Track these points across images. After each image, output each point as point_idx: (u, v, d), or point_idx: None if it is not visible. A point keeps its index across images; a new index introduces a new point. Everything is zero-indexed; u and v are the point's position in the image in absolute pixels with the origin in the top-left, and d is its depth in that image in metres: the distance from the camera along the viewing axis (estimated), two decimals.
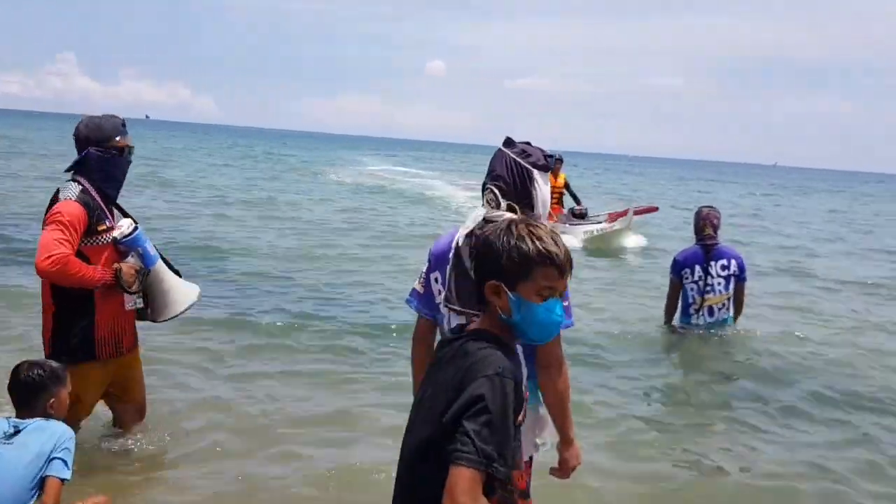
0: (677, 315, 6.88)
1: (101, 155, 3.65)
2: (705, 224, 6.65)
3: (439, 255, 2.84)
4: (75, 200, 3.53)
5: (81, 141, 3.65)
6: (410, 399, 2.14)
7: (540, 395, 2.68)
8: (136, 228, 3.68)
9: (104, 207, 3.66)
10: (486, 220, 2.64)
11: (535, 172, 2.82)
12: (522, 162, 2.82)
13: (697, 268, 6.61)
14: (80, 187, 3.60)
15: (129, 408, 4.06)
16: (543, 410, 2.71)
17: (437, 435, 1.75)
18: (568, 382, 2.65)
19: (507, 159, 2.84)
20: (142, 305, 3.86)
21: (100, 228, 3.59)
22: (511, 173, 2.81)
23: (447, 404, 1.75)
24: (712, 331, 6.69)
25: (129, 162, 3.79)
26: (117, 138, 3.67)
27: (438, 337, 2.88)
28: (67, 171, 3.71)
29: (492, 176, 2.82)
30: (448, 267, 2.75)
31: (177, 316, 3.94)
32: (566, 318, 2.53)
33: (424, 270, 2.91)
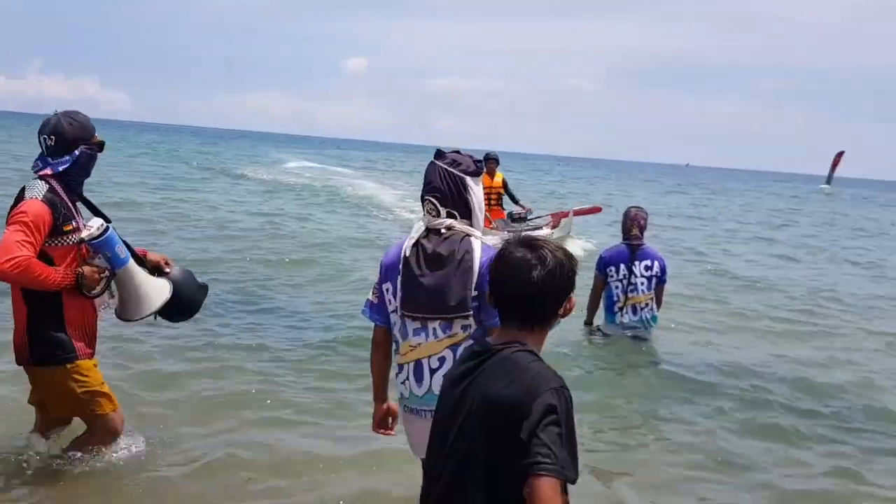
0: (601, 314, 6.97)
1: (90, 153, 3.63)
2: (632, 224, 6.78)
3: (389, 266, 3.04)
4: (41, 200, 3.45)
5: (69, 140, 3.56)
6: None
7: None
8: (106, 229, 3.54)
9: (71, 207, 3.60)
10: (428, 230, 2.97)
11: (468, 179, 3.03)
12: (454, 171, 3.01)
13: (622, 266, 6.73)
14: (48, 186, 3.52)
15: (55, 418, 3.89)
16: None
17: (499, 446, 1.82)
18: None
19: (440, 170, 3.03)
20: (113, 308, 3.83)
21: (66, 229, 3.51)
22: (446, 183, 3.00)
23: (509, 419, 1.81)
24: (634, 332, 6.80)
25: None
26: (95, 134, 3.67)
27: (395, 346, 3.09)
28: (35, 170, 3.61)
29: (429, 188, 3.02)
30: (398, 277, 2.98)
31: (149, 315, 3.82)
32: None
33: (377, 281, 3.10)
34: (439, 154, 3.11)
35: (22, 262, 3.28)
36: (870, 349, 8.29)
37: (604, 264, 6.83)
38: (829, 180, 64.03)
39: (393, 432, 3.29)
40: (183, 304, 3.95)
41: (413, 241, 2.98)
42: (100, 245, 3.53)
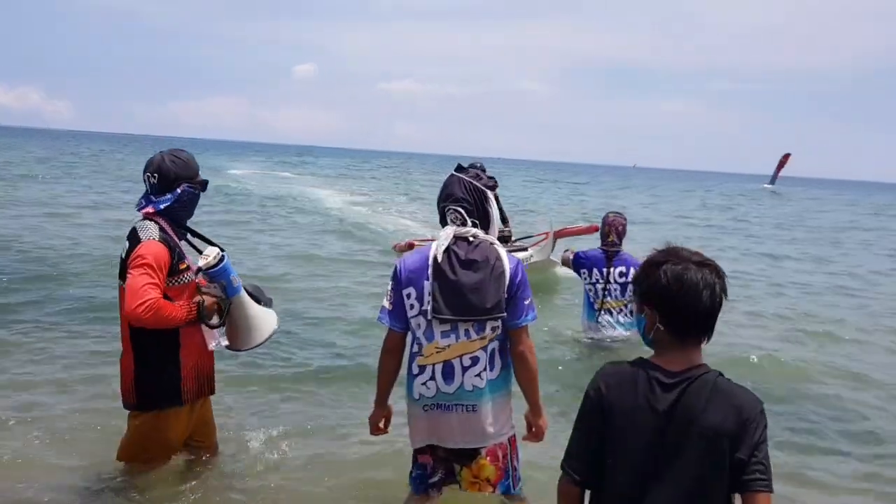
0: (583, 313, 7.04)
1: (193, 191, 3.61)
2: (610, 230, 6.78)
3: (412, 271, 3.23)
4: (158, 241, 3.43)
5: (171, 179, 3.54)
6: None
7: (513, 377, 3.31)
8: (222, 258, 3.51)
9: (180, 247, 3.60)
10: (456, 237, 3.21)
11: (489, 192, 3.31)
12: (477, 184, 3.29)
13: (596, 271, 6.79)
14: (158, 226, 3.50)
15: (202, 451, 3.97)
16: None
17: (721, 466, 1.97)
18: (536, 364, 3.28)
19: (465, 183, 3.30)
20: (225, 344, 3.77)
21: (181, 267, 3.51)
22: (471, 195, 3.28)
23: (731, 442, 1.96)
24: (611, 335, 6.83)
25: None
26: (199, 172, 3.66)
27: (414, 348, 3.27)
28: (140, 209, 3.59)
29: (452, 199, 3.28)
30: (425, 281, 3.18)
31: (260, 345, 3.75)
32: (533, 312, 3.26)
33: (391, 288, 3.27)
34: (461, 168, 3.41)
35: (153, 305, 3.27)
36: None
37: (578, 261, 6.92)
38: (772, 180, 65.79)
39: (388, 432, 3.52)
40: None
41: (444, 248, 3.19)
42: (216, 274, 3.50)
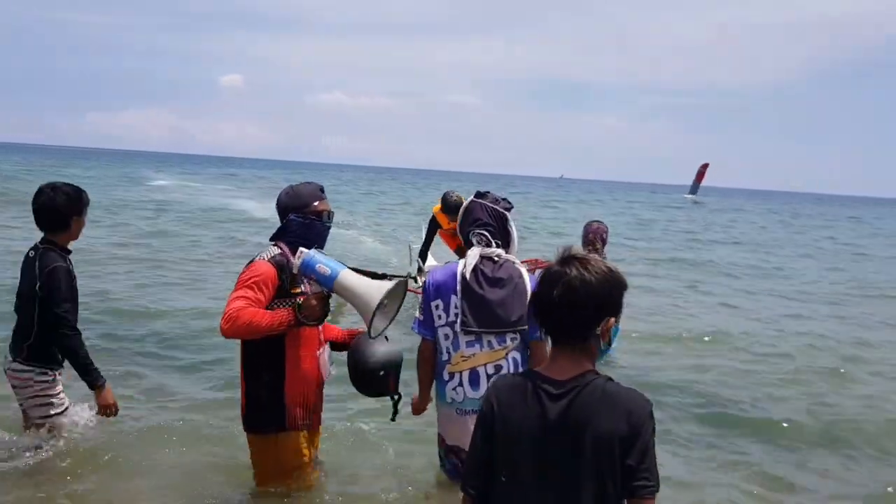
0: None
1: (301, 221, 3.61)
2: (595, 237, 6.77)
3: (440, 286, 3.61)
4: (268, 261, 3.50)
5: (282, 209, 3.65)
6: None
7: None
8: (306, 252, 3.45)
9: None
10: (483, 257, 3.57)
11: (508, 215, 3.67)
12: (498, 208, 3.65)
13: None
14: (278, 250, 3.57)
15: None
16: None
17: (611, 476, 1.94)
18: None
19: (487, 208, 3.65)
20: (333, 373, 3.80)
21: (294, 291, 3.51)
22: (494, 219, 3.63)
23: (618, 446, 1.93)
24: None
25: (328, 226, 3.71)
26: (315, 203, 3.64)
27: (444, 356, 3.63)
28: (271, 239, 3.67)
29: (478, 223, 3.64)
30: (453, 296, 3.57)
31: (373, 317, 3.33)
32: None
33: (422, 301, 3.71)
34: (481, 195, 3.75)
35: (232, 314, 3.29)
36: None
37: None
38: (693, 190, 67.85)
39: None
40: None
41: (472, 266, 3.56)
42: (304, 271, 3.44)
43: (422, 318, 3.70)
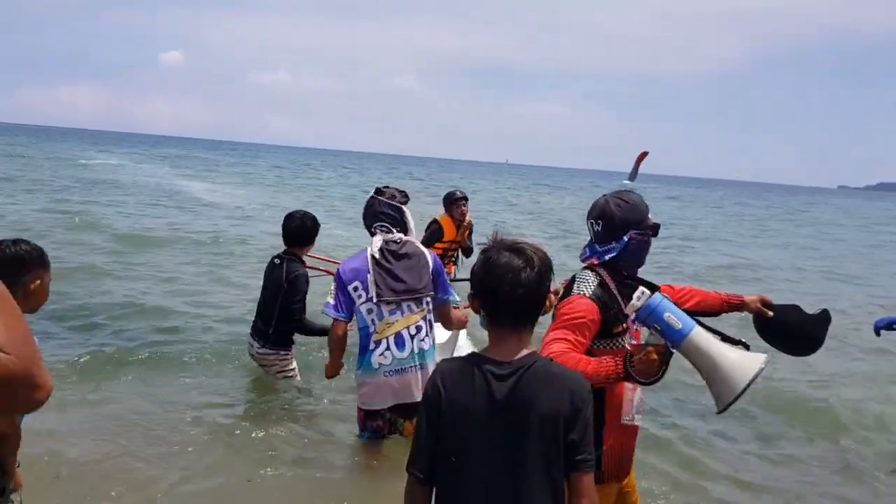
0: None
1: (642, 239, 3.06)
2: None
3: (355, 269, 4.16)
4: (590, 298, 2.95)
5: (617, 226, 3.03)
6: None
7: None
8: (650, 296, 2.82)
9: (621, 303, 3.01)
10: (385, 242, 4.18)
11: (404, 208, 4.29)
12: (395, 203, 4.28)
13: None
14: (598, 280, 3.02)
15: None
16: None
17: (556, 453, 2.02)
18: (461, 323, 4.59)
19: (385, 203, 4.26)
20: (640, 423, 3.12)
21: (615, 331, 2.99)
22: (392, 212, 4.25)
23: (563, 426, 2.02)
24: None
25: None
26: (649, 215, 3.10)
27: (371, 328, 4.12)
28: (604, 262, 3.03)
29: (379, 216, 4.25)
30: (368, 275, 4.12)
31: (736, 399, 2.80)
32: (454, 294, 4.58)
33: (335, 288, 4.17)
34: (379, 191, 4.33)
35: (556, 357, 2.72)
36: None
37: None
38: (632, 177, 69.15)
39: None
40: (796, 340, 3.36)
41: (378, 248, 4.16)
42: (645, 317, 2.80)
43: (333, 302, 4.18)
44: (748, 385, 2.73)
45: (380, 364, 4.13)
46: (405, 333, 4.15)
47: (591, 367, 2.68)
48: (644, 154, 67.14)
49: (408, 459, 2.16)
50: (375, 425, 4.27)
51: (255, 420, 5.13)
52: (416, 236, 4.33)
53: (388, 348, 4.13)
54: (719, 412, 2.84)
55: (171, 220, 16.89)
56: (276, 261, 5.46)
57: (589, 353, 2.86)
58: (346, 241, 13.35)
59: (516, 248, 2.09)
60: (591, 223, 3.11)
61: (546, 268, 2.10)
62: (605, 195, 3.12)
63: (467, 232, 8.19)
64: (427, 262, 4.25)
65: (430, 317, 4.27)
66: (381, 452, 4.34)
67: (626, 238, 3.00)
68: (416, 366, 4.15)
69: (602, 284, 2.97)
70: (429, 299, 4.23)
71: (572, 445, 2.02)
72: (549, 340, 2.84)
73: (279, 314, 5.33)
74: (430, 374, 2.27)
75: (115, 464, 4.33)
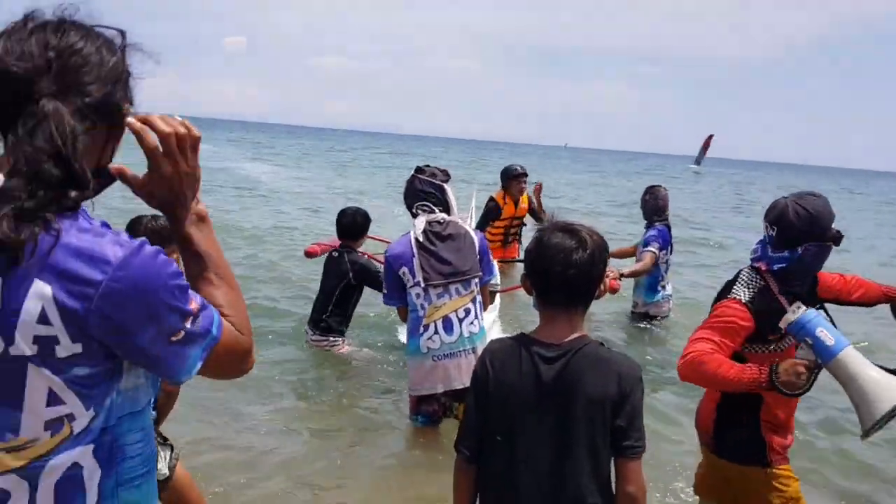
0: (641, 293, 7.05)
1: (819, 251, 2.87)
2: (665, 204, 6.84)
3: (400, 254, 4.11)
4: (744, 304, 2.83)
5: (793, 238, 2.83)
6: None
7: None
8: (805, 310, 2.74)
9: (781, 314, 2.83)
10: (429, 223, 4.11)
11: (446, 186, 4.23)
12: (436, 181, 4.21)
13: (669, 247, 6.89)
14: (761, 285, 2.88)
15: None
16: None
17: (603, 437, 2.03)
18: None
19: (426, 181, 4.20)
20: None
21: (770, 338, 2.87)
22: (433, 190, 4.18)
23: (612, 411, 2.02)
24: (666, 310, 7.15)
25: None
26: (832, 226, 2.87)
27: (420, 312, 4.11)
28: (773, 271, 2.89)
29: (421, 195, 4.18)
30: (413, 259, 4.06)
31: (877, 424, 2.69)
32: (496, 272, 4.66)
33: (385, 275, 4.22)
34: (420, 170, 4.29)
35: (695, 357, 2.74)
36: None
37: (665, 243, 6.84)
38: (698, 161, 67.47)
39: None
40: None
41: (421, 231, 4.08)
42: (797, 331, 2.74)
43: (387, 291, 4.22)
44: (891, 412, 2.61)
45: (428, 348, 4.10)
46: (453, 317, 4.10)
47: (734, 371, 2.68)
48: (710, 138, 65.34)
49: (456, 437, 2.21)
50: (430, 409, 4.25)
51: (308, 408, 5.14)
52: (456, 215, 4.29)
53: (436, 332, 4.09)
54: (862, 438, 2.76)
55: (267, 212, 16.10)
56: (335, 254, 5.94)
57: (741, 357, 2.83)
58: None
59: (569, 230, 2.10)
60: (767, 225, 2.92)
61: (600, 250, 2.10)
62: (786, 197, 2.90)
63: (539, 207, 8.20)
64: (473, 241, 4.19)
65: (479, 299, 4.21)
66: (440, 434, 4.34)
67: (800, 250, 2.82)
68: (464, 350, 4.10)
69: (764, 290, 2.86)
70: (476, 281, 4.17)
71: (619, 431, 2.03)
72: (696, 338, 2.81)
73: (335, 303, 5.84)
74: (480, 354, 2.27)
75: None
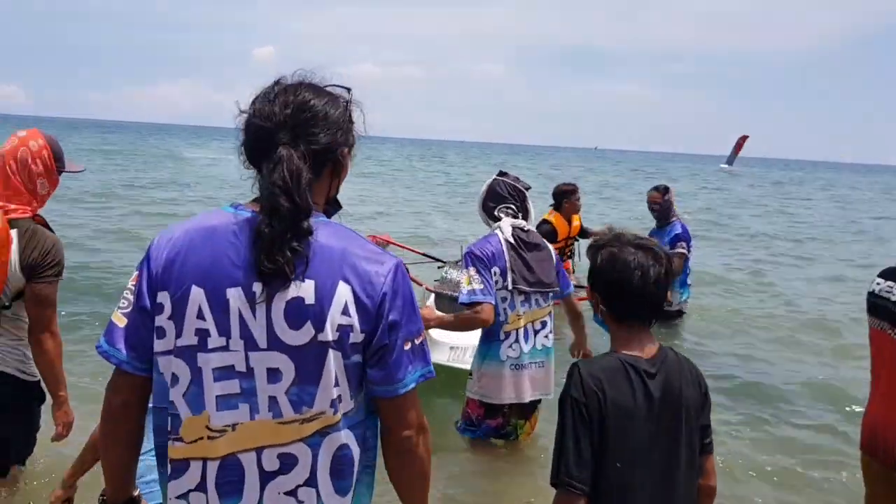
0: (675, 292, 7.06)
1: None
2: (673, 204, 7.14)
3: (494, 254, 3.92)
4: None
5: None
6: None
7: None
8: None
9: None
10: (514, 227, 3.99)
11: (527, 193, 4.16)
12: (518, 186, 4.14)
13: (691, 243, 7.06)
14: None
15: None
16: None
17: (697, 441, 2.11)
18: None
19: (509, 186, 4.12)
20: None
21: None
22: (516, 195, 4.10)
23: (699, 410, 2.11)
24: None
25: None
26: None
27: (501, 317, 3.91)
28: None
29: (503, 199, 4.08)
30: (505, 260, 3.91)
31: None
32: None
33: (477, 271, 3.87)
34: (503, 173, 4.22)
35: None
36: None
37: (690, 239, 6.99)
38: (730, 161, 66.66)
39: None
40: None
41: (510, 234, 3.97)
42: None
43: (480, 286, 3.85)
44: None
45: (507, 356, 3.98)
46: (530, 328, 4.03)
47: None
48: (744, 138, 64.55)
49: (556, 471, 2.01)
50: (496, 423, 4.10)
51: None
52: (533, 224, 4.25)
53: (516, 340, 3.99)
54: None
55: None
56: None
57: None
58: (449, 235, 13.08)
59: (643, 246, 2.11)
60: None
61: (671, 264, 2.15)
62: None
63: (579, 224, 7.54)
64: (552, 255, 4.17)
65: (553, 312, 4.17)
66: (501, 452, 4.19)
67: None
68: (537, 362, 4.04)
69: None
70: (552, 295, 4.13)
71: (703, 429, 2.11)
72: None
73: None
74: (573, 375, 2.09)
75: None
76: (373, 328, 1.56)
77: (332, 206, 1.71)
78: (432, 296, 6.71)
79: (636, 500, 2.02)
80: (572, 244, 7.59)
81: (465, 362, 5.05)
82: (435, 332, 4.84)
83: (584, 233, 7.59)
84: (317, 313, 1.52)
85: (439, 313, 4.33)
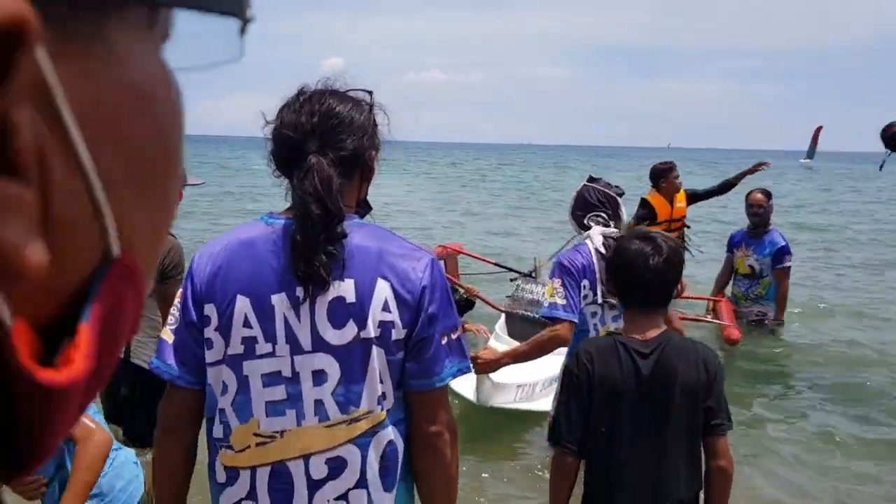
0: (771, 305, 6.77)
1: None
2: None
3: (584, 266, 3.66)
4: None
5: None
6: None
7: None
8: None
9: None
10: (605, 237, 3.69)
11: (619, 200, 3.91)
12: (610, 192, 3.87)
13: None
14: None
15: None
16: None
17: (697, 423, 2.22)
18: None
19: (601, 192, 3.87)
20: None
21: None
22: (608, 201, 3.85)
23: (701, 393, 2.21)
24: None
25: None
26: None
27: (591, 333, 3.62)
28: None
29: (593, 207, 3.83)
30: (596, 274, 3.63)
31: None
32: None
33: (565, 284, 3.60)
34: (593, 179, 4.02)
35: None
36: None
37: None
38: (810, 155, 64.34)
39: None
40: None
41: (601, 243, 3.71)
42: None
43: (564, 301, 3.56)
44: None
45: None
46: None
47: None
48: (819, 129, 62.29)
49: (554, 435, 2.37)
50: None
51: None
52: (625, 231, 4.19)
53: None
54: None
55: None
56: None
57: None
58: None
59: (646, 237, 2.30)
60: None
61: (675, 256, 2.28)
62: None
63: (685, 205, 6.51)
64: None
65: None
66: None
67: None
68: None
69: None
70: None
71: (709, 411, 2.22)
72: None
73: None
74: (573, 354, 2.41)
75: None
76: (413, 321, 1.59)
77: (363, 208, 1.75)
78: (502, 317, 6.18)
79: (624, 478, 2.24)
80: (678, 227, 6.37)
81: (535, 400, 4.88)
82: (495, 375, 4.30)
83: (696, 196, 6.73)
84: (358, 311, 1.56)
85: (504, 348, 4.11)
